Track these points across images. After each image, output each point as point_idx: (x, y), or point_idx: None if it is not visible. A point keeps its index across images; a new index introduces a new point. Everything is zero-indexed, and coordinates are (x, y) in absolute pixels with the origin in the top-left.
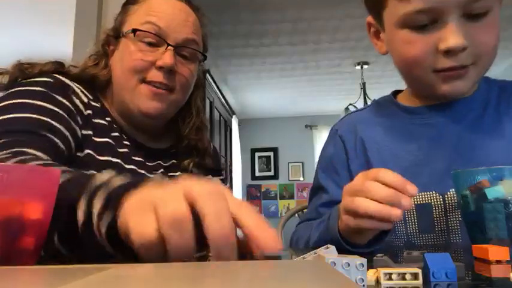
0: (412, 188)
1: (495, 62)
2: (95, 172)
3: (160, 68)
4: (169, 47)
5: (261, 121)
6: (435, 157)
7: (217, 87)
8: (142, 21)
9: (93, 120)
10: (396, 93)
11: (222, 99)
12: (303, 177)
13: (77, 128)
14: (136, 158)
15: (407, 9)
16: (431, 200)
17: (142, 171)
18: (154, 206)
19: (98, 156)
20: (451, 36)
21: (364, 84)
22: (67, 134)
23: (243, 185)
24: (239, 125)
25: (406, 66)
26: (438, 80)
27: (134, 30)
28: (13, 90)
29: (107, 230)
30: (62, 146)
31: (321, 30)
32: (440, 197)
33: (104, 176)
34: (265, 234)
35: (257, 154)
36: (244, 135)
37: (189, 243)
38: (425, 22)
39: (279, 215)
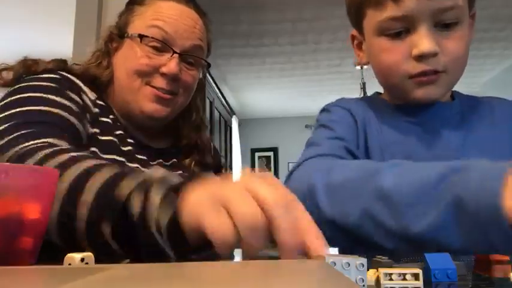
0: None
1: (495, 62)
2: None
3: (164, 75)
4: (174, 55)
5: (261, 121)
6: (420, 151)
7: (217, 87)
8: (149, 25)
9: (100, 118)
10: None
11: (222, 99)
12: None
13: (88, 125)
14: (140, 156)
15: (382, 17)
16: None
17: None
18: (225, 204)
19: (102, 155)
20: (423, 42)
21: (364, 84)
22: (81, 129)
23: None
24: (239, 125)
25: (384, 74)
26: (413, 86)
27: (141, 36)
28: (23, 85)
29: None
30: (78, 141)
31: (321, 30)
32: None
33: (154, 172)
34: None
35: (257, 154)
36: (244, 135)
37: (261, 246)
38: (400, 29)
39: None
